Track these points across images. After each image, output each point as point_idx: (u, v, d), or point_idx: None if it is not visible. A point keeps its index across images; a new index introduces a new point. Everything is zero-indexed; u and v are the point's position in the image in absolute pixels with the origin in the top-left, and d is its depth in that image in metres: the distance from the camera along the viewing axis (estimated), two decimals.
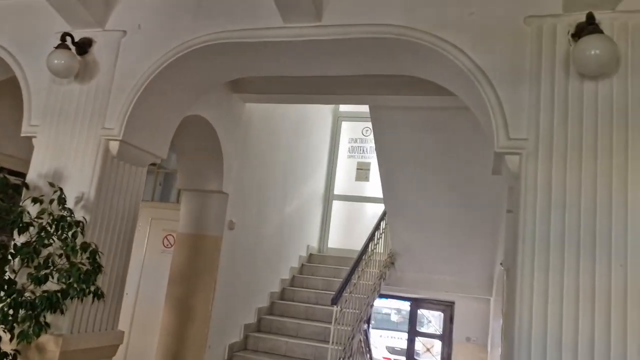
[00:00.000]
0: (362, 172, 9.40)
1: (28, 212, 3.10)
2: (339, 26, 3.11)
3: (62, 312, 3.00)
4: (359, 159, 9.50)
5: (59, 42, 3.41)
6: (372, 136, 6.46)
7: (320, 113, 8.91)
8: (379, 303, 9.11)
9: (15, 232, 3.03)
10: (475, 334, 9.13)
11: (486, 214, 6.11)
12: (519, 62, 2.75)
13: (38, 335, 2.90)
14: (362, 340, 6.61)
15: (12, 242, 3.08)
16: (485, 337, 8.94)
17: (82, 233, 3.14)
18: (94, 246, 3.10)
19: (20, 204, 3.26)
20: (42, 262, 2.99)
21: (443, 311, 9.94)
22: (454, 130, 5.23)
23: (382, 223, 7.30)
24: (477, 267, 7.26)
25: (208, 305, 5.26)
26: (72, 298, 2.97)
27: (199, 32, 3.35)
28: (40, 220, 3.08)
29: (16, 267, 3.03)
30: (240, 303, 6.03)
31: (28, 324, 2.90)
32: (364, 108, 6.33)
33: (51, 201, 3.15)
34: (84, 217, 3.22)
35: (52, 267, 3.01)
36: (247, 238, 6.03)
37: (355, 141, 9.59)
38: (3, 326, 2.88)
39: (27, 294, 2.96)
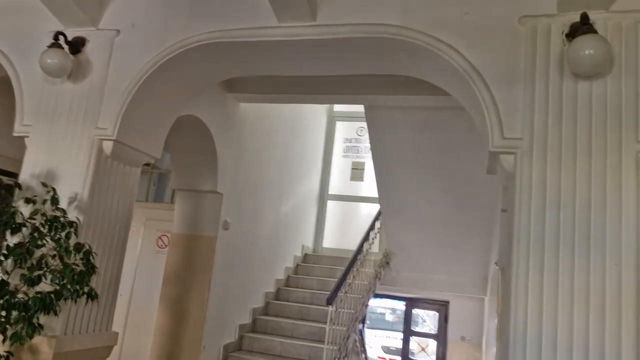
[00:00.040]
0: (357, 172, 9.40)
1: (21, 213, 3.08)
2: (334, 26, 3.11)
3: (55, 314, 2.98)
4: (354, 159, 9.50)
5: (51, 41, 3.39)
6: (367, 136, 6.46)
7: (315, 113, 8.91)
8: (373, 303, 9.13)
9: (8, 233, 3.01)
10: (470, 333, 9.16)
11: (481, 214, 6.13)
12: (513, 61, 2.76)
13: (31, 337, 2.88)
14: (357, 340, 6.61)
15: (5, 243, 3.05)
16: (479, 336, 8.97)
17: (75, 234, 3.12)
18: (87, 247, 3.08)
19: (13, 204, 3.24)
20: (35, 263, 2.97)
21: (438, 311, 9.96)
22: (449, 130, 5.24)
23: (377, 223, 7.31)
24: (471, 266, 7.28)
25: (203, 306, 5.25)
26: (65, 299, 2.95)
27: (193, 32, 3.34)
28: (33, 221, 3.05)
29: (9, 268, 3.00)
30: (235, 303, 6.02)
31: (21, 325, 2.87)
32: (359, 108, 6.34)
33: (44, 201, 3.13)
34: (77, 218, 3.20)
35: (45, 268, 2.98)
36: (242, 238, 6.01)
37: (350, 141, 9.59)
38: None
39: (20, 295, 2.93)
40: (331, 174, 9.45)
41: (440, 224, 6.66)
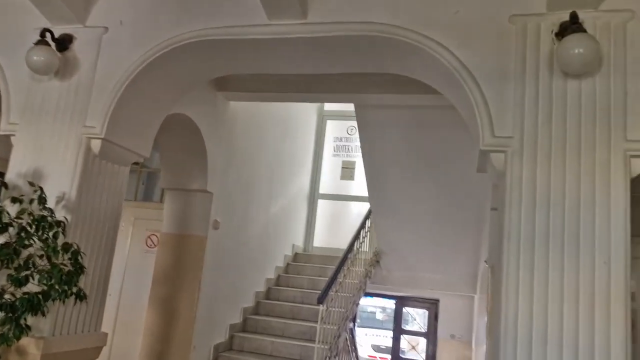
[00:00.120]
0: (347, 171, 9.40)
1: (7, 212, 3.03)
2: (325, 24, 3.10)
3: (43, 314, 2.95)
4: (344, 158, 9.49)
5: (38, 38, 3.35)
6: (357, 135, 6.46)
7: (305, 112, 8.90)
8: (364, 301, 9.13)
9: None
10: (460, 331, 9.19)
11: (470, 212, 6.16)
12: (504, 60, 2.77)
13: (18, 338, 2.85)
14: (348, 338, 6.61)
15: None
16: (469, 334, 9.01)
17: (63, 233, 3.08)
18: (75, 247, 3.05)
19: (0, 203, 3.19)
20: (22, 263, 2.93)
21: (428, 309, 9.99)
22: (439, 128, 5.26)
23: (367, 222, 7.31)
24: (461, 264, 7.31)
25: (193, 306, 5.22)
26: (53, 300, 2.92)
27: (183, 29, 3.31)
28: (20, 221, 3.01)
29: None
30: (225, 303, 5.99)
31: (8, 326, 2.84)
32: (349, 107, 6.33)
33: (31, 201, 3.09)
34: (65, 217, 3.17)
35: (32, 268, 2.95)
36: (232, 237, 5.99)
37: (341, 140, 9.58)
38: None
39: (7, 296, 2.89)
40: (321, 173, 9.44)
41: (431, 223, 6.68)
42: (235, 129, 5.94)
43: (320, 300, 5.38)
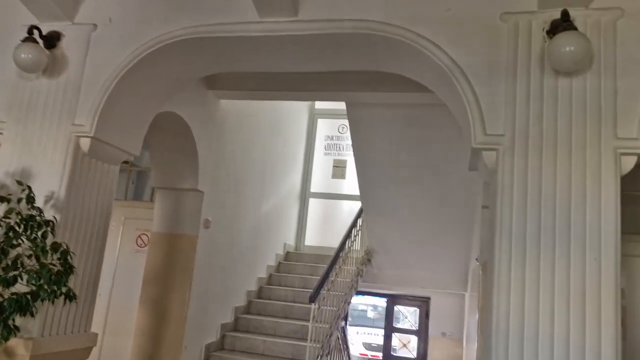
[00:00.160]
0: (338, 170, 9.40)
1: None
2: (316, 21, 3.10)
3: (32, 315, 2.92)
4: (335, 157, 9.49)
5: (25, 35, 3.31)
6: (348, 133, 6.46)
7: (296, 110, 8.88)
8: (355, 300, 9.13)
9: None
10: (451, 329, 9.24)
11: (461, 210, 6.18)
12: (495, 58, 2.78)
13: (7, 339, 2.81)
14: (339, 337, 6.61)
15: None
16: (460, 331, 9.05)
17: (52, 233, 3.05)
18: (65, 246, 3.02)
19: None
20: (10, 263, 2.89)
21: (419, 307, 10.03)
22: (431, 127, 5.26)
23: (358, 220, 7.31)
24: (452, 263, 7.34)
25: (184, 306, 5.19)
26: (42, 300, 2.89)
27: (173, 26, 3.29)
28: (7, 220, 2.97)
29: None
30: (216, 302, 5.96)
31: None
32: (340, 105, 6.32)
33: (19, 200, 3.05)
34: (54, 217, 3.13)
35: (21, 269, 2.91)
36: (223, 237, 5.96)
37: (332, 139, 9.58)
38: None
39: None
40: (313, 171, 9.43)
41: (422, 221, 6.70)
42: (226, 127, 5.91)
43: (312, 299, 5.37)
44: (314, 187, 9.38)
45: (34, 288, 2.87)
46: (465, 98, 2.78)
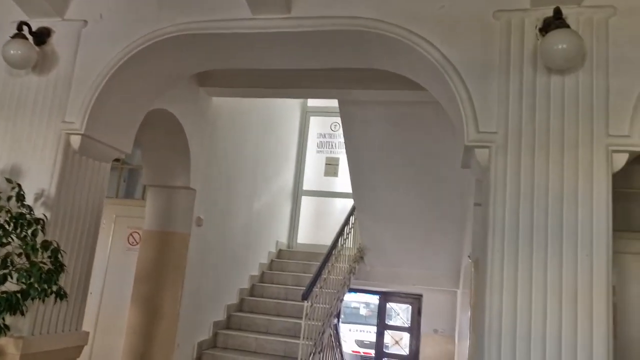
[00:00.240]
0: (330, 168, 9.39)
1: None
2: (309, 18, 3.08)
3: (22, 314, 2.90)
4: (328, 154, 9.49)
5: (15, 31, 3.27)
6: (340, 131, 6.45)
7: (289, 108, 8.85)
8: (347, 297, 9.14)
9: None
10: (443, 326, 9.26)
11: (454, 208, 6.20)
12: (488, 56, 2.78)
13: None
14: (332, 334, 6.61)
15: None
16: (452, 328, 9.09)
17: (42, 231, 3.02)
18: (55, 244, 3.00)
19: None
20: (0, 261, 2.86)
21: (411, 304, 10.05)
22: (423, 124, 5.27)
23: (351, 218, 7.31)
24: (444, 260, 7.36)
25: (176, 304, 5.16)
26: (33, 299, 2.87)
27: (164, 23, 3.26)
28: None
29: None
30: (209, 300, 5.95)
31: None
32: (333, 103, 6.32)
33: (9, 198, 3.02)
34: (44, 215, 3.10)
35: (11, 267, 2.88)
36: (216, 234, 5.94)
37: (324, 136, 9.57)
38: None
39: None
40: (305, 169, 9.42)
41: (414, 219, 6.71)
42: (218, 124, 5.88)
43: (304, 297, 5.37)
44: (307, 185, 9.37)
45: (24, 286, 2.85)
46: (458, 95, 2.78)
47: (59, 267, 2.96)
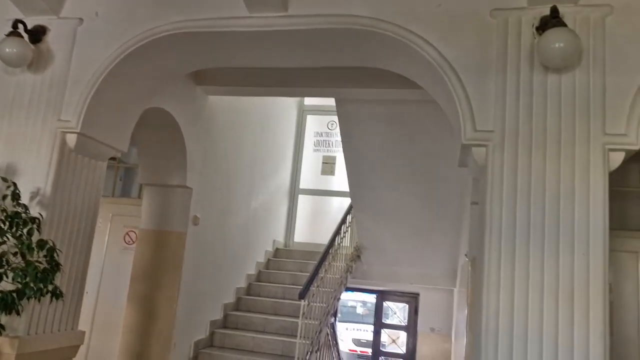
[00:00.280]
0: (327, 166, 9.39)
1: None
2: (306, 16, 3.07)
3: (18, 313, 2.88)
4: (325, 153, 9.48)
5: (10, 29, 3.25)
6: (337, 130, 6.45)
7: (285, 107, 8.84)
8: (344, 296, 9.14)
9: None
10: (440, 325, 9.28)
11: (451, 206, 6.20)
12: (485, 54, 2.78)
13: None
14: (329, 333, 6.61)
15: None
16: (449, 327, 9.10)
17: (38, 230, 3.01)
18: (51, 244, 2.98)
19: None
20: None
21: (408, 303, 10.06)
22: (421, 123, 5.27)
23: (348, 217, 7.31)
24: (441, 258, 7.37)
25: (172, 303, 5.15)
26: (28, 298, 2.86)
27: (161, 21, 3.25)
28: None
29: None
30: (205, 299, 5.93)
31: None
32: (329, 101, 6.30)
33: (4, 197, 3.00)
34: (40, 214, 3.09)
35: (6, 266, 2.87)
36: (212, 233, 5.93)
37: (321, 135, 9.56)
38: None
39: None
40: (302, 168, 9.41)
41: (411, 217, 6.71)
42: (215, 123, 5.87)
43: (301, 296, 5.37)
44: (304, 184, 9.36)
45: (19, 286, 2.83)
46: (455, 94, 2.78)
47: (54, 266, 2.95)
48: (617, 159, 2.58)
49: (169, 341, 5.11)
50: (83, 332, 3.51)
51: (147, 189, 5.41)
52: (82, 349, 3.65)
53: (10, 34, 3.23)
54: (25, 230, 2.94)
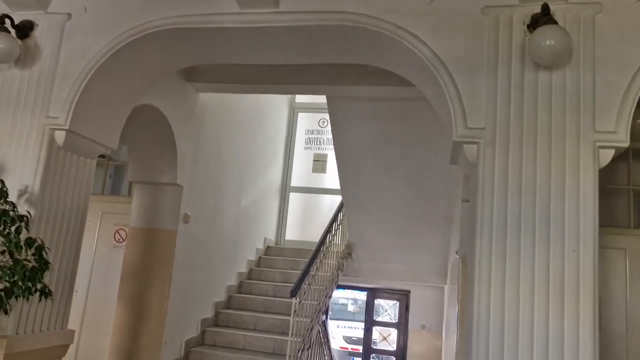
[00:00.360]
0: (318, 164, 9.38)
1: None
2: (297, 13, 3.06)
3: (6, 312, 2.85)
4: (316, 151, 9.47)
5: None
6: (328, 127, 6.43)
7: (276, 104, 8.82)
8: (335, 294, 9.16)
9: None
10: (430, 322, 9.32)
11: (441, 204, 6.22)
12: (476, 51, 2.78)
13: None
14: (320, 331, 6.61)
15: None
16: (440, 324, 9.15)
17: (26, 228, 2.97)
18: (39, 242, 2.95)
19: None
20: None
21: (399, 300, 10.09)
22: (411, 121, 5.27)
23: (339, 214, 7.31)
24: (432, 256, 7.40)
25: (163, 301, 5.12)
26: (16, 297, 2.82)
27: (151, 16, 3.22)
28: None
29: None
30: (196, 298, 5.91)
31: None
32: (321, 99, 6.30)
33: None
34: (28, 211, 3.05)
35: None
36: (203, 231, 5.90)
37: (312, 132, 9.55)
38: None
39: None
40: (293, 165, 9.40)
41: (402, 215, 6.73)
42: (205, 120, 5.84)
43: (293, 293, 5.36)
44: (295, 181, 9.35)
45: (7, 285, 2.80)
46: (446, 91, 2.78)
47: (43, 264, 2.92)
48: (607, 156, 2.60)
49: (159, 340, 5.08)
50: (73, 331, 3.48)
51: (137, 186, 5.37)
52: (72, 348, 3.62)
53: None
54: (13, 229, 2.90)
